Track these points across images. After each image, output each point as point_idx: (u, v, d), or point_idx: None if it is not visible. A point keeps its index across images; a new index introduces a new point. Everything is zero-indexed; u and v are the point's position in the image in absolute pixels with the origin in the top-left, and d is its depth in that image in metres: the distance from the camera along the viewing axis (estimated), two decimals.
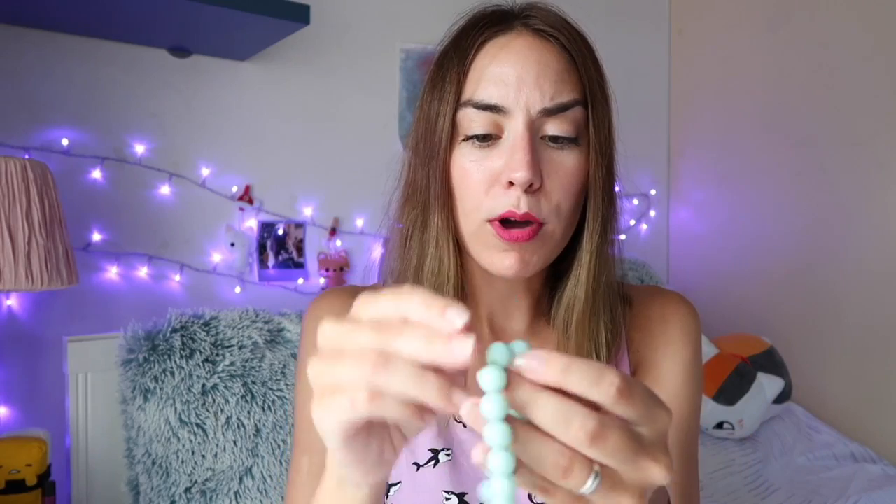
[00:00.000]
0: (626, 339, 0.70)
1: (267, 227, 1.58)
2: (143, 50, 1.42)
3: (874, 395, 1.87)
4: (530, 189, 0.57)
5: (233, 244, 1.52)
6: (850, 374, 1.92)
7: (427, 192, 0.62)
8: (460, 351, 0.30)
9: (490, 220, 0.58)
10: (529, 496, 0.62)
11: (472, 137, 0.59)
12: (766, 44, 2.14)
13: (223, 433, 1.22)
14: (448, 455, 0.64)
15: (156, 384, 1.19)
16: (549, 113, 0.58)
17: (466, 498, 0.63)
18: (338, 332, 0.32)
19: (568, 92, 0.58)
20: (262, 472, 1.23)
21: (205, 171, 1.50)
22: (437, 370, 0.31)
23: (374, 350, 0.31)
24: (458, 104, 0.59)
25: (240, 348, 1.28)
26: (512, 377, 0.31)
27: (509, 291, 0.66)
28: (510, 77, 0.58)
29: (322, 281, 1.65)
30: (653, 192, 2.39)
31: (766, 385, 1.79)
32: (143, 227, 1.43)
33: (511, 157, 0.57)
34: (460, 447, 0.64)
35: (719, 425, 1.78)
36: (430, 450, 0.64)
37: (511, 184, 0.56)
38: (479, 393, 0.31)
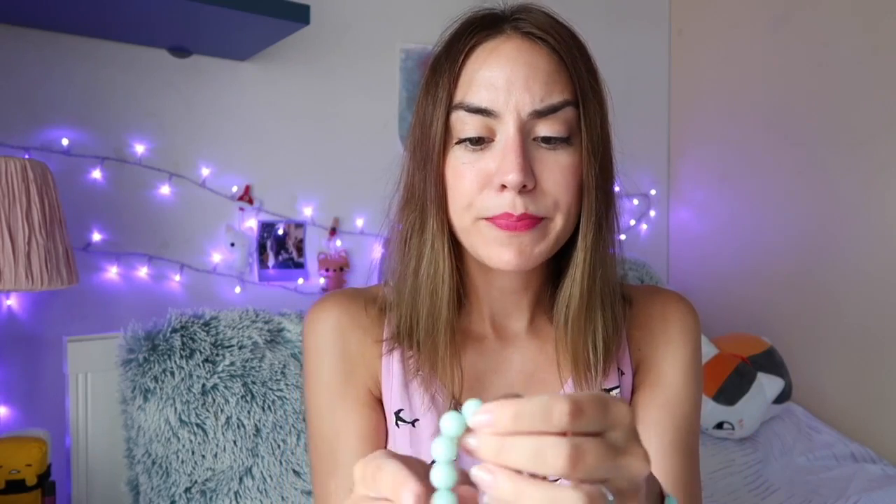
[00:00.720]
0: (627, 338, 0.70)
1: (267, 227, 1.58)
2: (143, 50, 1.42)
3: (874, 395, 1.87)
4: (524, 190, 0.57)
5: (233, 244, 1.52)
6: (850, 375, 1.92)
7: (424, 195, 0.62)
8: None
9: (484, 219, 0.59)
10: None
11: (464, 140, 0.59)
12: (766, 44, 2.14)
13: (223, 433, 1.22)
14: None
15: (156, 384, 1.19)
16: (540, 115, 0.58)
17: None
18: None
19: (558, 93, 0.59)
20: (262, 472, 1.23)
21: (205, 171, 1.50)
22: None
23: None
24: (450, 108, 0.60)
25: (240, 348, 1.28)
26: (477, 433, 0.32)
27: (509, 289, 0.66)
28: (500, 81, 0.58)
29: (322, 281, 1.65)
30: (653, 192, 2.39)
31: (766, 385, 1.79)
32: (143, 227, 1.43)
33: (503, 160, 0.57)
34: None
35: (719, 425, 1.78)
36: None
37: (504, 187, 0.57)
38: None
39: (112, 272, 1.39)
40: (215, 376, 1.24)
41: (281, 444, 1.26)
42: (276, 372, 1.29)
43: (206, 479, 1.21)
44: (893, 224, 1.83)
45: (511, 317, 0.68)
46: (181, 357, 1.22)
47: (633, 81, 2.30)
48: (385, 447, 0.67)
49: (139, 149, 1.42)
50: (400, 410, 0.67)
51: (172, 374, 1.20)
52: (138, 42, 1.40)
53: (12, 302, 1.28)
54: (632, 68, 2.31)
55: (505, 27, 0.61)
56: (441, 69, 0.62)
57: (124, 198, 1.41)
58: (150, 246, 1.44)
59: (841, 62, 1.94)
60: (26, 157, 1.24)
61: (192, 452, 1.20)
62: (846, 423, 1.90)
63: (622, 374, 0.69)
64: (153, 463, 1.19)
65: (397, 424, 0.67)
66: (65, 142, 1.33)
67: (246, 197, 1.55)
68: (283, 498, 1.24)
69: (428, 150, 0.61)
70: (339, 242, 1.68)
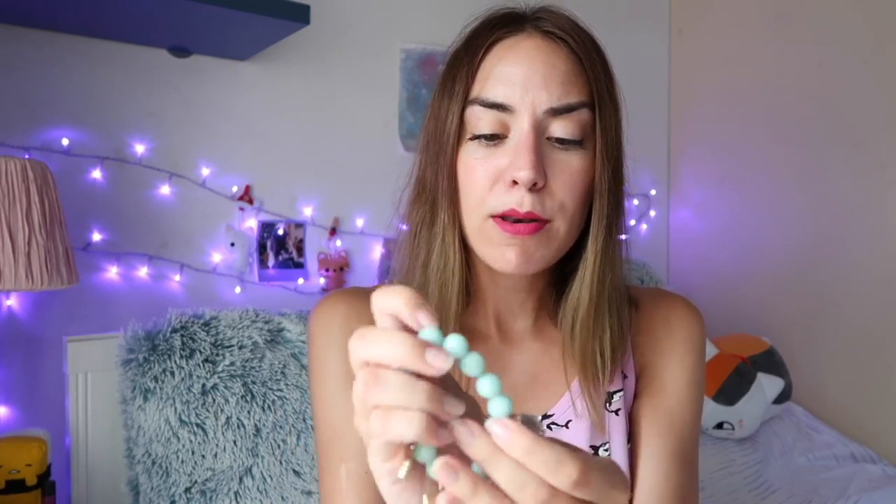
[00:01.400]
0: (632, 342, 0.70)
1: (267, 227, 1.58)
2: (143, 50, 1.42)
3: (874, 395, 1.87)
4: (534, 188, 0.57)
5: (233, 244, 1.52)
6: (850, 375, 1.92)
7: (435, 189, 0.62)
8: (436, 362, 0.32)
9: (493, 217, 0.58)
10: None
11: (478, 137, 0.59)
12: (766, 44, 2.14)
13: (223, 433, 1.22)
14: None
15: (156, 384, 1.19)
16: (556, 113, 0.58)
17: None
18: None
19: (575, 94, 0.59)
20: (262, 472, 1.23)
21: (205, 171, 1.50)
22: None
23: (365, 368, 0.34)
24: (465, 102, 0.60)
25: (240, 348, 1.28)
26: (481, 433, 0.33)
27: (514, 290, 0.66)
28: (517, 77, 0.58)
29: (322, 281, 1.65)
30: (653, 192, 2.39)
31: (766, 385, 1.79)
32: (143, 227, 1.43)
33: (516, 156, 0.57)
34: None
35: (719, 425, 1.78)
36: None
37: (515, 183, 0.57)
38: (480, 397, 0.34)
39: (112, 272, 1.39)
40: (215, 376, 1.24)
41: (281, 444, 1.26)
42: (276, 372, 1.29)
43: (206, 479, 1.21)
44: (893, 224, 1.83)
45: (515, 317, 0.68)
46: (181, 357, 1.22)
47: (633, 81, 2.29)
48: None
49: (139, 149, 1.42)
50: None
51: (172, 374, 1.20)
52: (138, 42, 1.40)
53: (12, 302, 1.28)
54: (632, 68, 2.30)
55: (526, 26, 0.61)
56: (459, 64, 0.62)
57: (124, 198, 1.41)
58: (150, 246, 1.44)
59: (841, 62, 1.94)
60: (26, 157, 1.24)
61: (192, 452, 1.19)
62: (846, 423, 1.90)
63: (625, 377, 0.68)
64: (153, 463, 1.19)
65: None
66: (65, 142, 1.33)
67: (246, 197, 1.55)
68: (283, 498, 1.24)
69: (442, 143, 0.61)
70: (339, 242, 1.68)
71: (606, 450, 0.66)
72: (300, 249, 1.63)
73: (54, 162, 1.30)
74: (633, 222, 2.35)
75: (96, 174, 1.37)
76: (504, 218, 0.58)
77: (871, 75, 1.87)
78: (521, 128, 0.58)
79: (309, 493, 1.26)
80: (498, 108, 0.58)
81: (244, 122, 1.56)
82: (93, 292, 1.37)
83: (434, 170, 0.62)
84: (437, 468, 0.32)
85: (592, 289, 0.62)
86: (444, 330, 0.34)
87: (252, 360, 1.28)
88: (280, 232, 1.60)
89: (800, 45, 2.05)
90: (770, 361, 1.84)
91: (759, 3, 2.16)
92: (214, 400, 1.22)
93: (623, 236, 0.65)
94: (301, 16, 1.26)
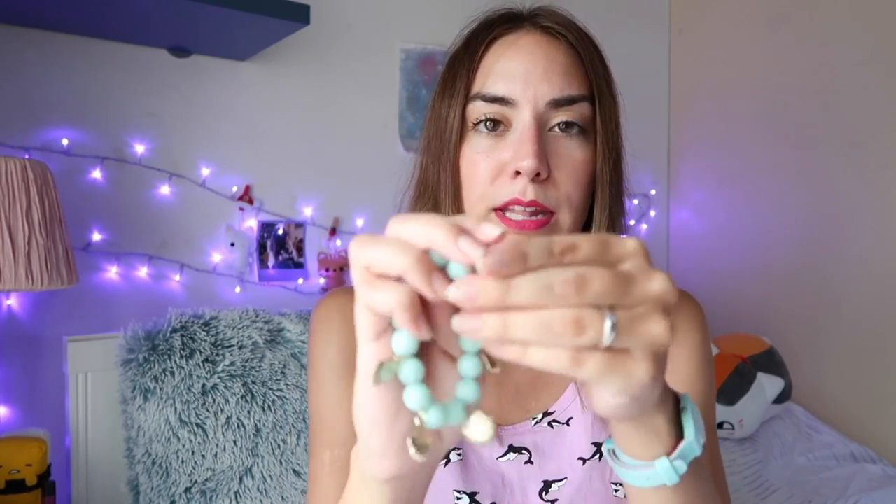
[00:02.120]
0: None
1: (267, 227, 1.58)
2: (143, 50, 1.42)
3: (874, 395, 1.87)
4: (537, 178, 0.57)
5: (233, 244, 1.52)
6: (850, 374, 1.92)
7: (437, 187, 0.63)
8: (439, 289, 0.31)
9: (495, 210, 0.59)
10: (540, 494, 0.63)
11: (481, 122, 0.60)
12: (766, 44, 2.14)
13: (223, 433, 1.22)
14: (459, 454, 0.64)
15: (156, 384, 1.19)
16: (558, 105, 0.58)
17: (478, 497, 0.63)
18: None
19: (576, 86, 0.60)
20: (262, 472, 1.23)
21: (205, 171, 1.50)
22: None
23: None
24: (467, 99, 0.61)
25: (240, 348, 1.28)
26: (472, 280, 0.31)
27: None
28: (518, 71, 0.59)
29: (322, 281, 1.65)
30: (653, 192, 2.39)
31: (766, 385, 1.79)
32: (143, 227, 1.43)
33: (518, 147, 0.57)
34: (471, 447, 0.64)
35: (719, 425, 1.78)
36: None
37: (517, 173, 0.57)
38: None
39: (112, 272, 1.39)
40: (215, 376, 1.24)
41: (281, 444, 1.26)
42: (276, 372, 1.29)
43: (206, 479, 1.21)
44: (893, 224, 1.83)
45: None
46: (181, 357, 1.22)
47: (633, 81, 2.29)
48: None
49: (139, 149, 1.42)
50: None
51: (172, 374, 1.20)
52: (138, 42, 1.40)
53: (12, 302, 1.28)
54: (632, 68, 2.30)
55: (524, 23, 0.62)
56: (459, 63, 0.63)
57: (124, 198, 1.41)
58: (150, 246, 1.44)
59: (840, 62, 1.94)
60: (26, 157, 1.24)
61: (192, 452, 1.19)
62: (846, 423, 1.90)
63: None
64: (153, 463, 1.19)
65: None
66: (65, 142, 1.33)
67: (246, 197, 1.55)
68: (283, 498, 1.24)
69: (443, 141, 0.62)
70: (339, 242, 1.68)
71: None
72: (300, 249, 1.63)
73: (54, 162, 1.30)
74: (632, 222, 2.35)
75: (96, 174, 1.37)
76: (507, 211, 0.58)
77: (871, 75, 1.87)
78: (523, 120, 0.58)
79: None
80: (500, 102, 0.59)
81: (244, 122, 1.56)
82: (93, 292, 1.37)
83: (436, 168, 0.63)
84: (458, 283, 0.30)
85: None
86: None
87: (252, 360, 1.28)
88: (280, 232, 1.60)
89: (800, 45, 2.05)
90: (770, 361, 1.84)
91: (759, 3, 2.16)
92: (214, 400, 1.22)
93: (626, 233, 0.65)
94: (301, 16, 1.26)
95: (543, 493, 0.63)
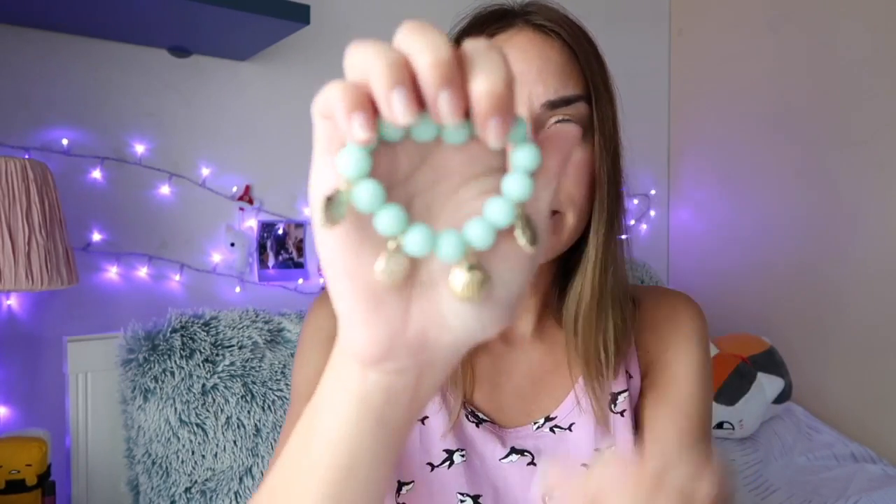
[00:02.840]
0: (635, 341, 0.69)
1: (267, 227, 1.58)
2: (143, 50, 1.42)
3: (874, 395, 1.87)
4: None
5: (233, 244, 1.52)
6: (850, 375, 1.92)
7: None
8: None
9: None
10: (544, 499, 0.62)
11: None
12: (766, 43, 2.14)
13: (223, 433, 1.22)
14: (463, 456, 0.63)
15: (156, 384, 1.19)
16: (553, 106, 0.57)
17: (481, 500, 0.63)
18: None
19: (571, 86, 0.58)
20: (262, 472, 1.23)
21: (205, 171, 1.50)
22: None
23: None
24: None
25: (240, 348, 1.28)
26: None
27: None
28: None
29: (322, 281, 1.65)
30: (653, 192, 2.39)
31: (766, 385, 1.79)
32: (143, 227, 1.43)
33: None
34: (473, 447, 0.64)
35: (719, 425, 1.78)
36: (444, 450, 0.64)
37: None
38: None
39: (112, 272, 1.39)
40: (215, 376, 1.24)
41: None
42: (276, 372, 1.29)
43: (206, 479, 1.21)
44: (894, 223, 1.83)
45: (518, 319, 0.67)
46: (181, 357, 1.22)
47: (633, 81, 2.30)
48: None
49: (139, 149, 1.42)
50: None
51: (172, 374, 1.20)
52: (138, 42, 1.40)
53: (12, 302, 1.28)
54: (632, 68, 2.31)
55: (516, 20, 0.60)
56: None
57: (124, 198, 1.40)
58: (149, 246, 1.44)
59: (841, 61, 1.94)
60: (26, 157, 1.24)
61: (192, 452, 1.19)
62: (846, 423, 1.90)
63: (630, 377, 0.68)
64: (153, 463, 1.19)
65: None
66: (65, 142, 1.33)
67: (246, 197, 1.55)
68: None
69: None
70: None
71: (612, 449, 0.65)
72: (300, 249, 1.63)
73: (54, 162, 1.30)
74: (632, 222, 2.34)
75: (96, 174, 1.37)
76: None
77: (871, 74, 1.87)
78: None
79: None
80: None
81: (244, 122, 1.56)
82: (93, 292, 1.37)
83: None
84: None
85: (594, 282, 0.62)
86: None
87: (252, 360, 1.28)
88: (280, 232, 1.60)
89: (800, 45, 2.05)
90: (770, 361, 1.84)
91: (759, 3, 2.16)
92: (214, 400, 1.22)
93: (624, 236, 0.65)
94: (301, 16, 1.26)
95: (548, 497, 0.62)
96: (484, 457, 0.64)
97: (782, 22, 2.09)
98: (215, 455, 1.21)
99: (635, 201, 2.34)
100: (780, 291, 2.09)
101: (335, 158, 0.27)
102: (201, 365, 1.23)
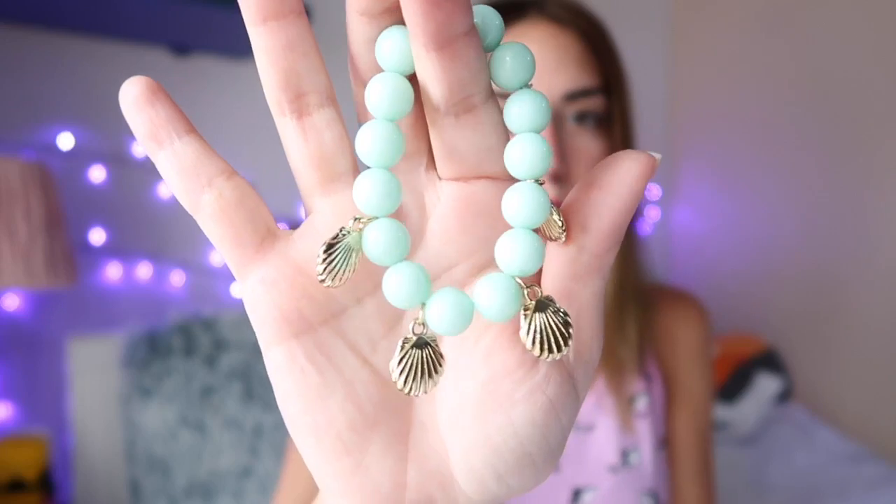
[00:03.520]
0: (651, 341, 0.69)
1: None
2: (143, 50, 1.42)
3: (874, 395, 1.87)
4: (556, 178, 0.55)
5: None
6: (851, 375, 1.92)
7: None
8: None
9: None
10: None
11: None
12: (766, 43, 2.14)
13: (223, 433, 1.22)
14: None
15: (156, 384, 1.19)
16: (572, 97, 0.56)
17: None
18: None
19: (589, 78, 0.57)
20: (261, 472, 1.23)
21: None
22: None
23: None
24: None
25: (240, 348, 1.28)
26: None
27: None
28: None
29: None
30: (652, 192, 2.40)
31: (767, 385, 1.79)
32: (144, 227, 1.43)
33: None
34: None
35: (719, 425, 1.78)
36: None
37: None
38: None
39: (112, 272, 1.39)
40: (215, 376, 1.24)
41: (281, 444, 1.26)
42: None
43: (206, 479, 1.21)
44: (894, 223, 1.83)
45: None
46: (181, 357, 1.22)
47: (632, 81, 2.30)
48: None
49: (139, 148, 1.42)
50: None
51: (172, 374, 1.20)
52: (138, 42, 1.40)
53: (12, 302, 1.28)
54: (631, 68, 2.30)
55: (530, 12, 0.59)
56: None
57: (124, 198, 1.40)
58: (150, 246, 1.44)
59: (841, 62, 1.94)
60: (27, 157, 1.24)
61: (192, 452, 1.20)
62: (846, 423, 1.90)
63: (649, 379, 0.67)
64: (153, 463, 1.19)
65: None
66: (65, 142, 1.33)
67: None
68: None
69: None
70: None
71: (636, 451, 0.66)
72: None
73: (54, 162, 1.30)
74: None
75: (96, 174, 1.37)
76: None
77: (872, 74, 1.87)
78: None
79: None
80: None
81: (244, 122, 1.56)
82: (93, 292, 1.37)
83: None
84: None
85: (615, 282, 0.61)
86: None
87: (252, 360, 1.28)
88: None
89: (800, 45, 2.05)
90: (770, 361, 1.85)
91: (760, 3, 2.16)
92: (214, 400, 1.22)
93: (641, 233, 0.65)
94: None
95: (573, 502, 0.61)
96: None
97: (783, 22, 2.09)
98: (215, 455, 1.21)
99: None
100: (781, 291, 2.09)
101: (356, 183, 0.20)
102: (201, 365, 1.23)
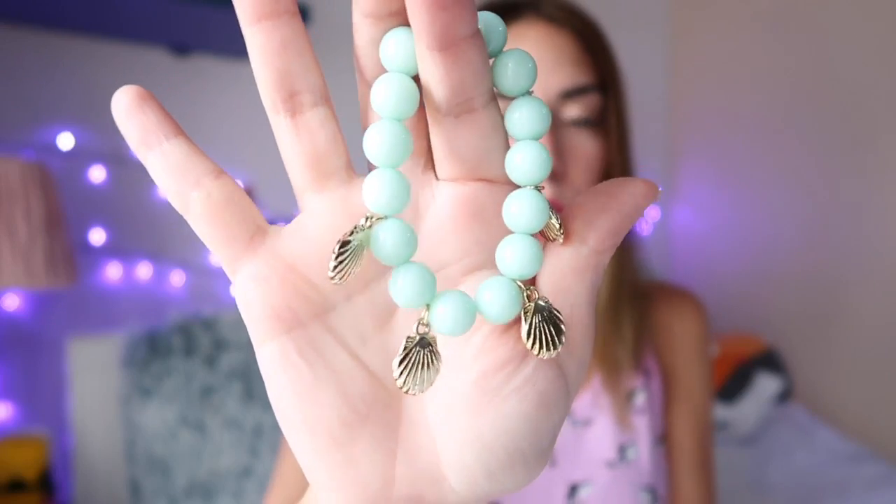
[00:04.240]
0: (648, 338, 0.69)
1: None
2: (143, 50, 1.42)
3: (874, 395, 1.87)
4: (552, 177, 0.55)
5: None
6: (851, 375, 1.92)
7: None
8: None
9: None
10: (566, 499, 0.62)
11: None
12: (766, 43, 2.14)
13: (223, 433, 1.22)
14: None
15: (156, 384, 1.19)
16: (569, 95, 0.56)
17: (499, 501, 0.62)
18: None
19: (585, 76, 0.58)
20: (261, 472, 1.23)
21: None
22: None
23: None
24: None
25: (240, 348, 1.28)
26: None
27: None
28: None
29: None
30: None
31: (766, 385, 1.79)
32: (144, 227, 1.43)
33: None
34: None
35: (719, 425, 1.78)
36: None
37: None
38: None
39: (112, 272, 1.39)
40: (215, 376, 1.24)
41: (281, 444, 1.26)
42: None
43: (206, 479, 1.21)
44: (895, 223, 1.83)
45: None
46: (181, 357, 1.22)
47: (632, 81, 2.29)
48: None
49: None
50: None
51: (172, 374, 1.20)
52: (138, 42, 1.40)
53: (12, 302, 1.28)
54: (631, 68, 2.30)
55: (526, 13, 0.60)
56: None
57: (125, 197, 1.41)
58: (150, 246, 1.44)
59: (842, 61, 1.94)
60: (26, 157, 1.24)
61: (192, 452, 1.20)
62: (847, 423, 1.90)
63: (647, 374, 0.68)
64: (153, 463, 1.19)
65: None
66: (65, 142, 1.33)
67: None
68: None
69: None
70: None
71: (633, 447, 0.66)
72: None
73: (54, 162, 1.30)
74: None
75: (96, 174, 1.37)
76: None
77: (873, 73, 1.87)
78: None
79: None
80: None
81: (244, 122, 1.56)
82: (93, 292, 1.37)
83: None
84: None
85: (611, 277, 0.61)
86: None
87: (252, 360, 1.28)
88: None
89: (800, 45, 2.05)
90: (770, 361, 1.85)
91: (760, 3, 2.16)
92: (214, 400, 1.22)
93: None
94: (301, 16, 1.26)
95: (570, 497, 0.62)
96: None
97: (783, 22, 2.09)
98: (215, 455, 1.21)
99: None
100: (781, 291, 2.09)
101: (366, 181, 0.20)
102: (201, 365, 1.23)
